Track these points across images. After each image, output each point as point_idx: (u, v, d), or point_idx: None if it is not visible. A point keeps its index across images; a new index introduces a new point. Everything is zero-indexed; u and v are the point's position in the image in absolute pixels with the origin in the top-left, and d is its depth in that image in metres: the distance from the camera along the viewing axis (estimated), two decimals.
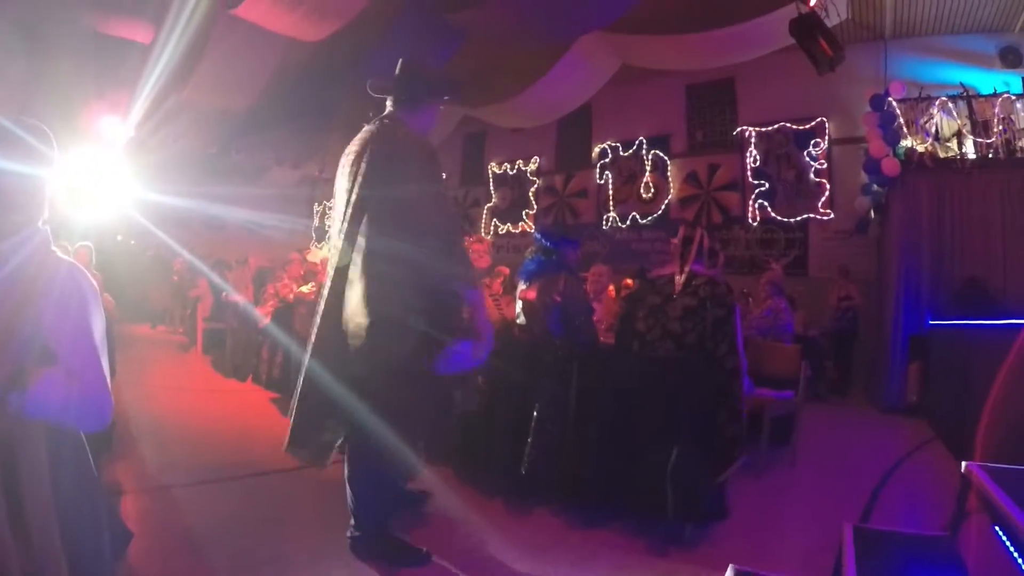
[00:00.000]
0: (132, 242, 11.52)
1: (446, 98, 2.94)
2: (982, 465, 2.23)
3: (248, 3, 5.73)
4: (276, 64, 6.75)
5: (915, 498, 3.72)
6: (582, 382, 3.15)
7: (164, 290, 11.14)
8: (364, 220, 2.46)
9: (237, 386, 6.69)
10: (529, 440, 3.14)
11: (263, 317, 6.32)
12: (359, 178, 2.48)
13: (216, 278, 7.50)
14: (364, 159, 2.50)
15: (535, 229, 3.33)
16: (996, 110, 6.50)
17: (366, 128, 2.66)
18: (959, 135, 6.64)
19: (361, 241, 2.45)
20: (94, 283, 1.40)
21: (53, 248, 1.38)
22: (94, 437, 1.47)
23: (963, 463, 2.20)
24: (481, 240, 4.23)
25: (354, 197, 2.49)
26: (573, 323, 3.25)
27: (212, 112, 7.54)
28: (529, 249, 3.63)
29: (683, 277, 3.15)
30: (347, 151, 2.65)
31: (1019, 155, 6.31)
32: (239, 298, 7.15)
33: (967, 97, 6.73)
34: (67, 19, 6.43)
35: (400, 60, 2.74)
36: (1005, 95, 6.56)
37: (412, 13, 5.94)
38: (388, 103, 2.72)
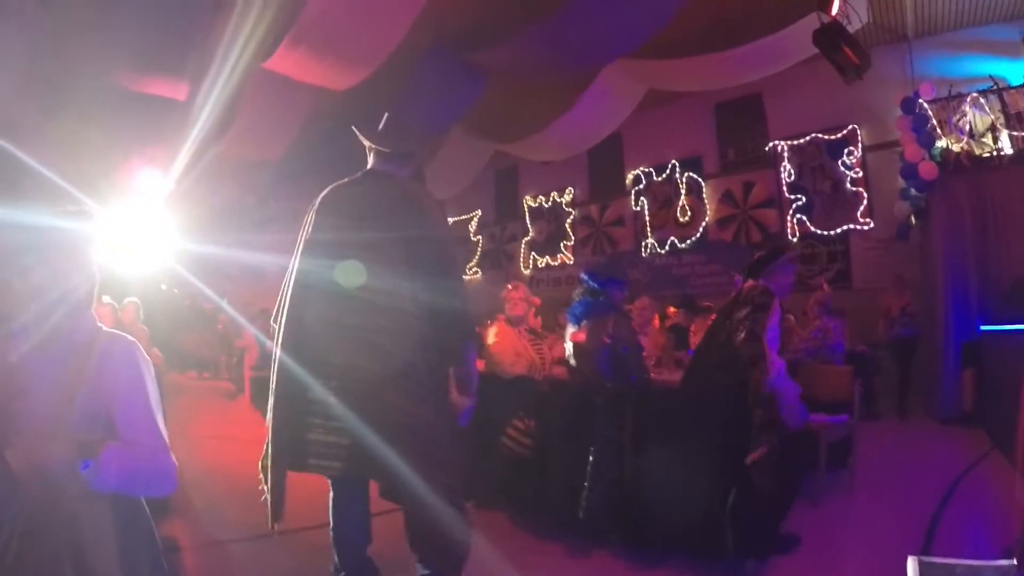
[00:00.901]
0: (176, 291, 11.81)
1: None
2: None
3: (278, 56, 5.91)
4: (307, 114, 6.93)
5: (978, 519, 3.61)
6: (636, 422, 3.14)
7: (210, 338, 11.36)
8: (388, 269, 2.40)
9: None
10: (585, 484, 3.14)
11: None
12: (388, 229, 2.43)
13: (255, 330, 7.60)
14: (387, 210, 2.48)
15: (582, 270, 3.28)
16: None
17: (363, 182, 2.61)
18: (993, 129, 6.49)
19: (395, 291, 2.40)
20: (147, 358, 1.48)
21: (99, 324, 1.46)
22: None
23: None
24: (516, 287, 4.22)
25: (387, 245, 2.42)
26: (624, 364, 3.25)
27: (248, 164, 7.75)
28: (576, 290, 3.65)
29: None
30: (343, 202, 2.56)
31: None
32: None
33: (998, 90, 6.61)
34: (101, 81, 6.69)
35: (386, 114, 2.73)
36: None
37: (437, 56, 6.07)
38: (371, 156, 2.68)
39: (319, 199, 2.61)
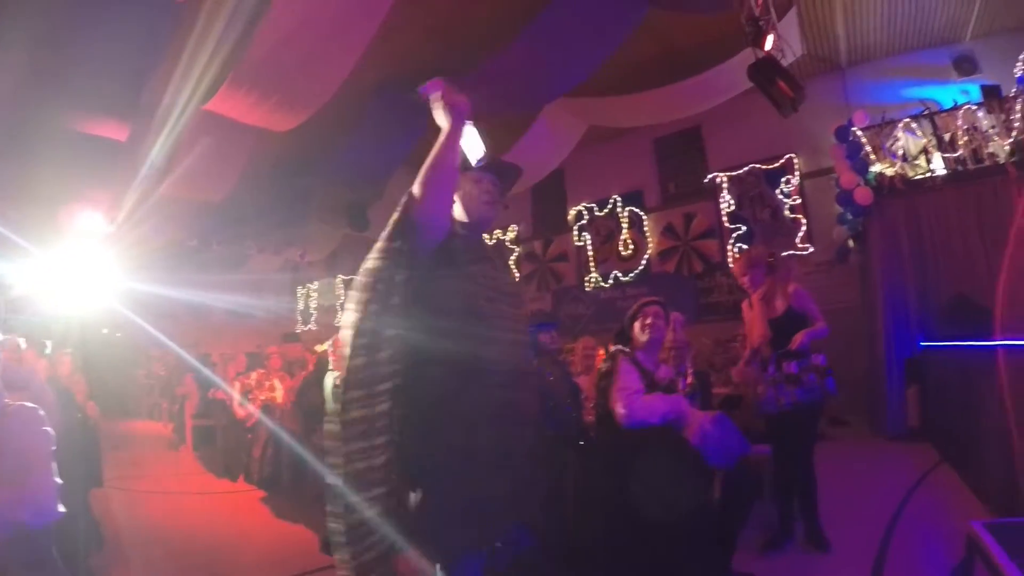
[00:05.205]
0: (118, 335, 11.45)
1: None
2: (985, 523, 2.22)
3: (219, 98, 5.82)
4: (250, 156, 6.83)
5: (927, 541, 3.65)
6: (578, 469, 3.09)
7: (152, 383, 11.03)
8: None
9: (229, 486, 6.56)
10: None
11: (252, 415, 6.24)
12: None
13: (207, 371, 7.44)
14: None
15: None
16: (959, 122, 6.59)
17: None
18: (926, 152, 6.73)
19: None
20: (49, 431, 1.72)
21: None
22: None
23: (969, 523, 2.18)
24: None
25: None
26: (557, 411, 3.21)
27: (190, 205, 7.60)
28: None
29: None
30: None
31: (987, 163, 6.35)
32: (225, 395, 7.07)
33: (929, 114, 6.86)
34: (45, 119, 6.51)
35: None
36: (966, 106, 6.65)
37: (381, 97, 6.06)
38: None
39: None
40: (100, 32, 5.27)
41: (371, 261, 1.77)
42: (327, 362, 4.40)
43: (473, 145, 1.95)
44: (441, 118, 1.82)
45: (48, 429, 1.91)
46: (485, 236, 2.23)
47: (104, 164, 7.22)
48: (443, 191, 1.83)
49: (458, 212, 1.99)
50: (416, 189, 1.77)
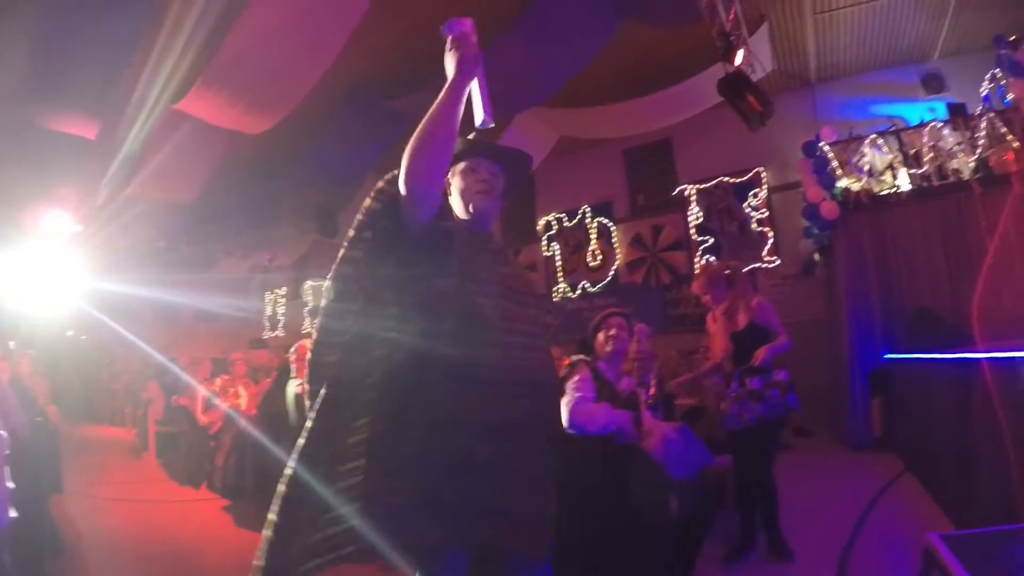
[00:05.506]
0: (83, 337, 11.20)
1: None
2: (942, 535, 2.25)
3: (190, 98, 5.76)
4: (220, 157, 6.76)
5: (889, 551, 3.70)
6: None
7: (116, 388, 10.79)
8: None
9: (191, 494, 6.46)
10: None
11: (215, 422, 6.14)
12: None
13: (178, 371, 7.32)
14: None
15: None
16: (925, 139, 6.71)
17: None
18: (892, 168, 6.85)
19: None
20: (2, 435, 1.63)
21: None
22: None
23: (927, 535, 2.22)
24: None
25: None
26: None
27: (159, 206, 7.49)
28: None
29: None
30: None
31: (951, 179, 6.48)
32: (189, 401, 6.96)
33: (896, 131, 6.99)
34: (12, 115, 6.38)
35: None
36: (932, 123, 6.78)
37: (353, 102, 6.03)
38: None
39: None
40: (73, 28, 5.20)
41: (348, 249, 1.59)
42: (289, 369, 4.35)
43: (480, 111, 1.63)
44: (450, 65, 1.59)
45: (2, 432, 1.84)
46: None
47: (73, 162, 7.10)
48: (435, 154, 1.57)
49: (457, 208, 1.82)
50: (405, 153, 1.55)
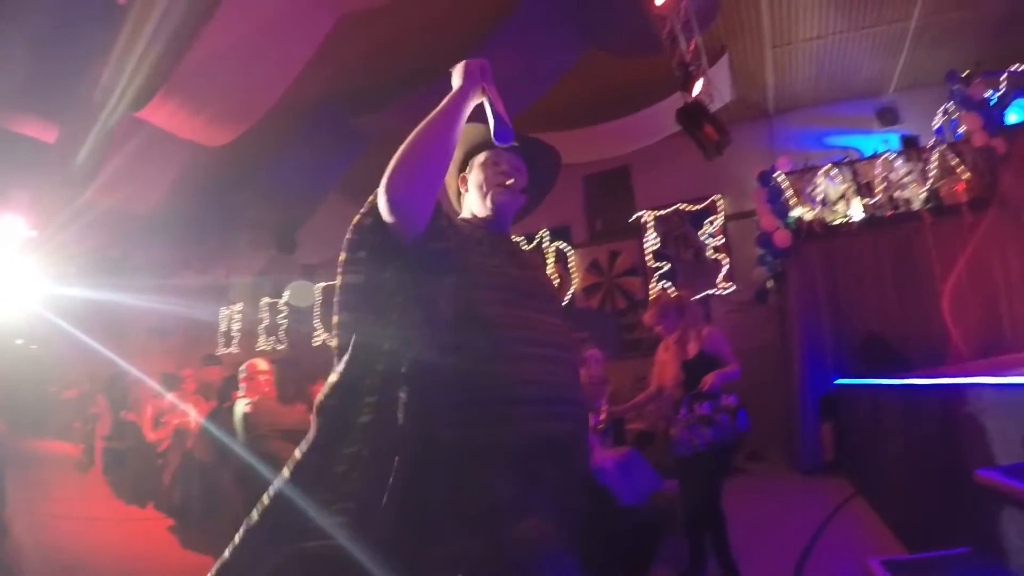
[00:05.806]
0: (34, 347, 10.81)
1: None
2: (882, 560, 2.32)
3: (152, 107, 5.69)
4: (180, 168, 6.66)
5: (839, 573, 3.73)
6: None
7: (66, 399, 10.43)
8: None
9: (137, 512, 6.30)
10: None
11: (163, 439, 5.99)
12: None
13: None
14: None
15: None
16: (878, 170, 6.90)
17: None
18: (845, 198, 7.02)
19: None
20: None
21: None
22: None
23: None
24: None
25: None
26: None
27: (115, 214, 7.33)
28: None
29: None
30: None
31: (902, 209, 6.67)
32: (138, 416, 6.78)
33: (849, 162, 7.19)
34: None
35: None
36: (885, 155, 6.96)
37: (317, 118, 6.01)
38: None
39: None
40: (35, 29, 5.11)
41: (345, 275, 1.40)
42: (233, 388, 4.27)
43: (496, 124, 1.48)
44: (456, 76, 1.49)
45: None
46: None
47: (29, 165, 6.93)
48: (425, 163, 1.37)
49: (474, 206, 1.68)
50: (391, 162, 1.35)
